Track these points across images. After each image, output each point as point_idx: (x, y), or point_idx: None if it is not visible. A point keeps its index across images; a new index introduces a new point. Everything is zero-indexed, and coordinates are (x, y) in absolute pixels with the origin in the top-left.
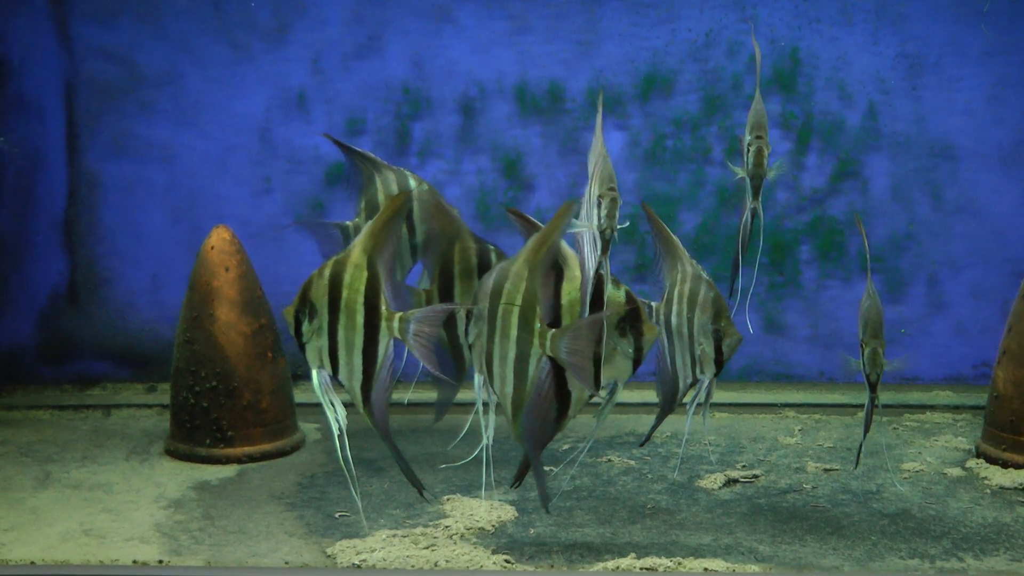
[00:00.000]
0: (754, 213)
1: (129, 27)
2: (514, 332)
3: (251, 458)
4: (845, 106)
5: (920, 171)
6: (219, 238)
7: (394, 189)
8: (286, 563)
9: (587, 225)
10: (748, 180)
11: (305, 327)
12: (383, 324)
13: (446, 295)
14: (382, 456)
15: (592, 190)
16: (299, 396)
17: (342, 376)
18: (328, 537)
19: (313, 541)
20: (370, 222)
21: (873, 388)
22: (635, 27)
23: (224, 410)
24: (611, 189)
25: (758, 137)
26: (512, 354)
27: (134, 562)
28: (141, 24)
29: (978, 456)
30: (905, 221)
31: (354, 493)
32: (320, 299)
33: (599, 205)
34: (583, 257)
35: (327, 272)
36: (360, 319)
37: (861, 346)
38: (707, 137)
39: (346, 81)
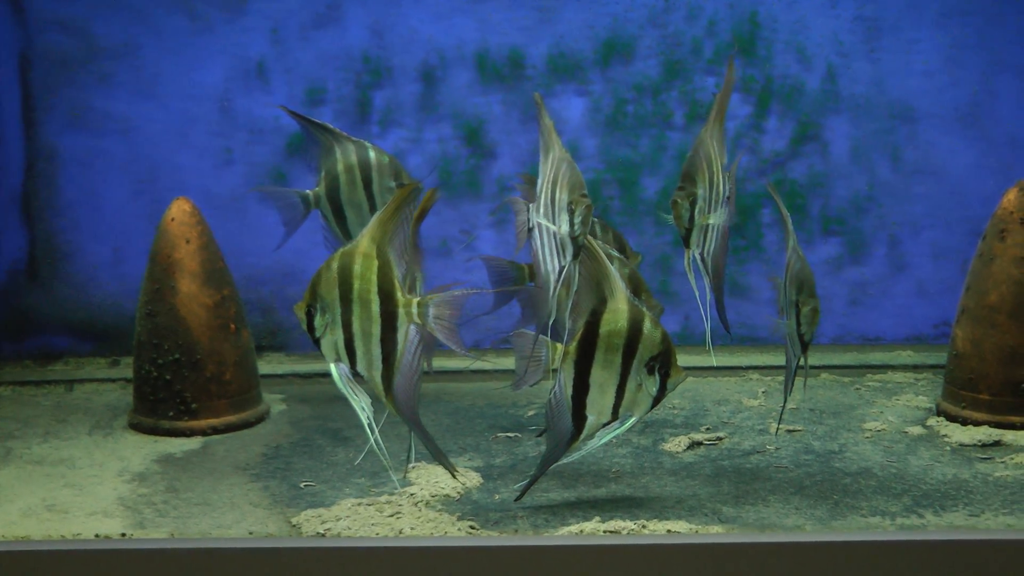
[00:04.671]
0: (702, 257)
1: None
2: None
3: (215, 430)
4: (804, 69)
5: (879, 133)
6: (179, 210)
7: (353, 159)
8: (251, 533)
9: (554, 227)
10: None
11: (317, 321)
12: (400, 311)
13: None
14: (348, 425)
15: (557, 194)
16: (263, 367)
17: (360, 367)
18: (293, 507)
19: (278, 511)
20: (378, 212)
21: (805, 348)
22: None
23: (187, 382)
24: (583, 196)
25: (680, 188)
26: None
27: (96, 536)
28: None
29: (938, 414)
30: (865, 183)
31: (390, 472)
32: (330, 292)
33: (571, 211)
34: (541, 256)
35: (335, 264)
36: (376, 308)
37: (796, 306)
38: (668, 102)
39: (305, 50)
